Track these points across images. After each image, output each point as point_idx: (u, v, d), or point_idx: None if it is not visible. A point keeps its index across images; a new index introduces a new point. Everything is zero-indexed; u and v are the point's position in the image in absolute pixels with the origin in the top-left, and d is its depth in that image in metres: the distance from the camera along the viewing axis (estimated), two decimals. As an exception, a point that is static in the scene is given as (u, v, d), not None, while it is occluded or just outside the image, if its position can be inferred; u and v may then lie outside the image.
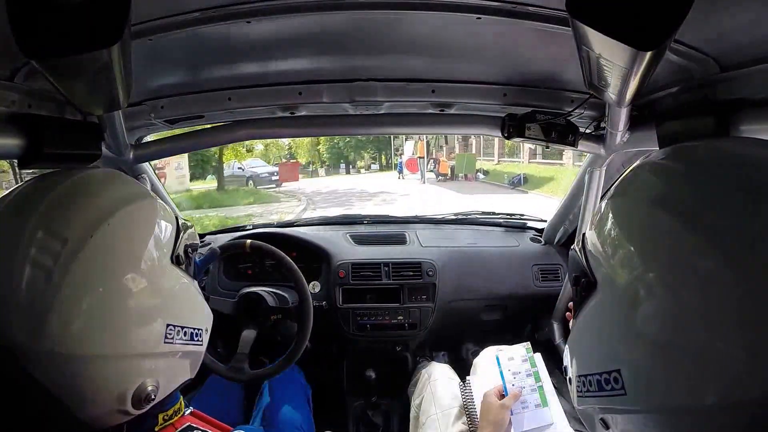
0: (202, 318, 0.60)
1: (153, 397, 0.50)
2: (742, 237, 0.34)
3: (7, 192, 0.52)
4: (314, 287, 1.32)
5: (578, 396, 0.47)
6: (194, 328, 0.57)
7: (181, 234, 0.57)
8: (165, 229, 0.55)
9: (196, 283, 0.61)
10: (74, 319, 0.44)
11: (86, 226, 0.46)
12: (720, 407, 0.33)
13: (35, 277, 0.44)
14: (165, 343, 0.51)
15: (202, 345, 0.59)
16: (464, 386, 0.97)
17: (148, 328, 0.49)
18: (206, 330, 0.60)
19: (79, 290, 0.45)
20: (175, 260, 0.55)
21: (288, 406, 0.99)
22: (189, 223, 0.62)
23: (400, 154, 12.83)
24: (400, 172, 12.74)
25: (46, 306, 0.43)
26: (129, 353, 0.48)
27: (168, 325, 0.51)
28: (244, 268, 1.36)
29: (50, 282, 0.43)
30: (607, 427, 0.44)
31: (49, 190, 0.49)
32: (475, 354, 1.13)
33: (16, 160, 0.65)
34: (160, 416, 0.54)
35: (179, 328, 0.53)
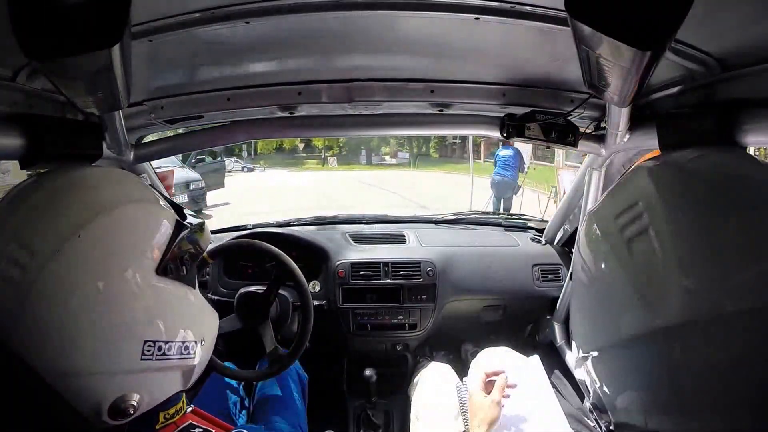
0: (198, 329, 0.55)
1: (132, 411, 0.48)
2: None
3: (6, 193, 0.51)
4: (314, 287, 1.32)
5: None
6: (183, 342, 0.52)
7: (179, 239, 0.52)
8: (150, 239, 0.50)
9: (194, 290, 0.57)
10: (41, 335, 0.43)
11: (56, 239, 0.44)
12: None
13: (2, 290, 0.43)
14: (143, 360, 0.48)
15: (193, 358, 0.54)
16: (461, 388, 0.97)
17: (120, 345, 0.46)
18: (202, 341, 0.56)
19: (47, 306, 0.43)
20: (163, 271, 0.50)
21: (282, 404, 0.99)
22: (197, 223, 0.57)
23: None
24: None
25: (14, 320, 0.42)
26: (100, 370, 0.45)
27: (146, 342, 0.48)
28: (244, 267, 1.36)
29: (17, 296, 0.42)
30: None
31: (28, 196, 0.48)
32: (474, 354, 1.13)
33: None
34: (161, 414, 0.54)
35: (161, 344, 0.49)
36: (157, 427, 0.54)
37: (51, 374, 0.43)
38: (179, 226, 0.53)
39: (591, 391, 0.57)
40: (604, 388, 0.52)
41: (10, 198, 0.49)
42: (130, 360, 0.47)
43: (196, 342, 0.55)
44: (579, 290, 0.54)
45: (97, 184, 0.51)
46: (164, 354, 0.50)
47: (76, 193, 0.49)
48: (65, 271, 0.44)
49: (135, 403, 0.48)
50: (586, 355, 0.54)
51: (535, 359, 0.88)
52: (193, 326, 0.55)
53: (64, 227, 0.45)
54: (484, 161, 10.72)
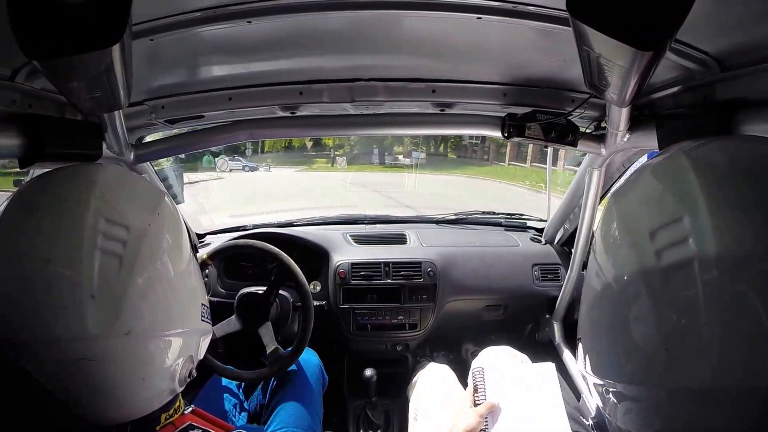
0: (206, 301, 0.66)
1: (194, 373, 0.56)
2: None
3: (29, 184, 0.52)
4: (314, 287, 1.32)
5: None
6: (207, 307, 0.62)
7: (188, 225, 0.63)
8: (183, 221, 0.60)
9: None
10: (145, 302, 0.48)
11: (144, 214, 0.50)
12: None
13: (107, 264, 0.45)
14: (202, 320, 0.57)
15: (211, 322, 0.64)
16: (477, 373, 0.92)
17: (195, 306, 0.55)
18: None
19: (147, 274, 0.48)
20: (193, 248, 0.61)
21: (290, 406, 0.98)
22: None
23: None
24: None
25: (121, 292, 0.45)
26: (183, 330, 0.52)
27: (202, 304, 0.58)
28: (244, 268, 1.36)
29: (122, 268, 0.46)
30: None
31: (92, 182, 0.50)
32: (474, 354, 1.13)
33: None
34: (162, 416, 0.55)
35: (206, 307, 0.60)
36: (158, 428, 0.54)
37: (152, 339, 0.48)
38: None
39: (593, 407, 0.54)
40: (607, 415, 0.47)
41: (70, 180, 0.51)
42: (197, 320, 0.56)
43: (208, 307, 0.63)
44: (592, 298, 0.47)
45: (136, 174, 0.62)
46: (206, 317, 0.60)
47: (134, 179, 0.57)
48: (157, 243, 0.51)
49: (193, 363, 0.55)
50: (591, 375, 0.47)
51: (550, 366, 0.85)
52: (204, 298, 0.64)
53: (147, 205, 0.52)
54: (509, 164, 9.41)
